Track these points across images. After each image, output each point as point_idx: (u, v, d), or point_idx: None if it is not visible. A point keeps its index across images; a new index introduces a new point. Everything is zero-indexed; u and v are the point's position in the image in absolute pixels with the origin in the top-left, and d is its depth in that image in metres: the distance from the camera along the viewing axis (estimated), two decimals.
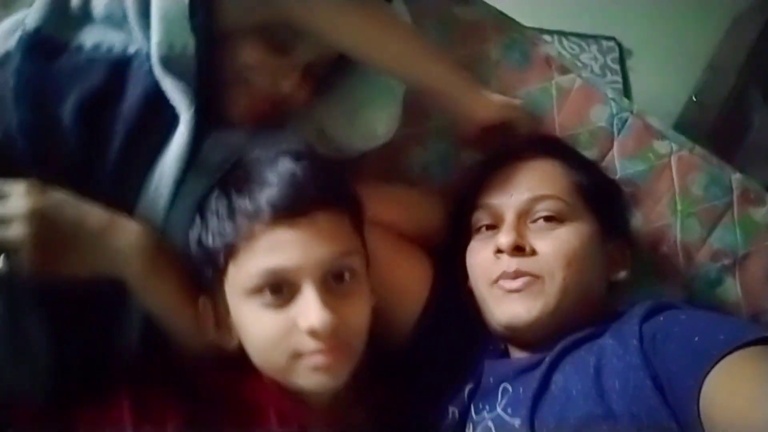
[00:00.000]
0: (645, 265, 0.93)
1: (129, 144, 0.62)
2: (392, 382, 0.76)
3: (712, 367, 0.51)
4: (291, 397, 0.66)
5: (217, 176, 0.65)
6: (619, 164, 0.95)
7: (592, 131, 0.95)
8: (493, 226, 0.74)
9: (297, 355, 0.61)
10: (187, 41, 0.62)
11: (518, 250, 0.69)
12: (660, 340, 0.58)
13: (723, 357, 0.51)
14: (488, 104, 0.82)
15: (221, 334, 0.65)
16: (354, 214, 0.67)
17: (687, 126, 1.37)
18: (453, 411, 0.69)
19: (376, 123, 0.81)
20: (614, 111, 0.96)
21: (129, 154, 0.62)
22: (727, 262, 0.94)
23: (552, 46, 1.00)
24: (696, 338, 0.55)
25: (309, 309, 0.59)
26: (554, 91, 0.96)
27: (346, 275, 0.63)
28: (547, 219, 0.71)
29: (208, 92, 0.66)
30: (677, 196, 0.95)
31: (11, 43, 0.62)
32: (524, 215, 0.72)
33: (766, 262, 0.94)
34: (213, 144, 0.66)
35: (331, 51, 0.73)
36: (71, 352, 0.62)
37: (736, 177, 0.96)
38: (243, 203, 0.60)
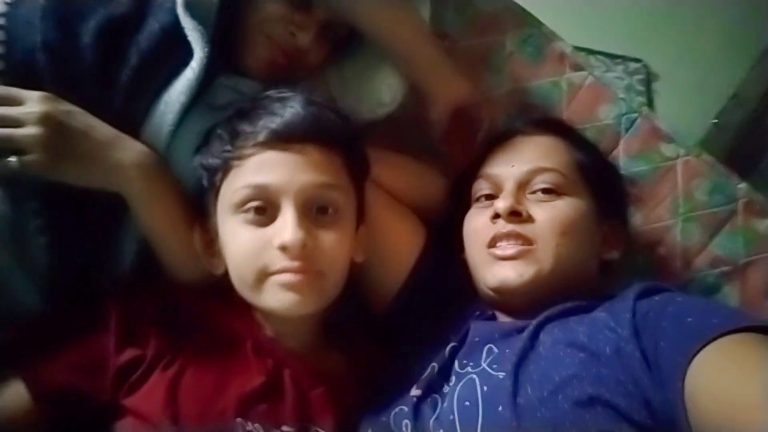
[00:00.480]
0: (643, 263, 0.93)
1: (141, 71, 0.66)
2: (371, 339, 0.78)
3: (703, 347, 0.51)
4: (269, 331, 0.68)
5: (220, 116, 0.69)
6: (624, 162, 0.96)
7: (599, 128, 0.97)
8: (493, 196, 0.76)
9: (267, 272, 0.63)
10: None
11: (515, 215, 0.71)
12: (653, 317, 0.58)
13: (715, 339, 0.51)
14: (458, 84, 0.85)
15: (210, 259, 0.68)
16: (352, 160, 0.69)
17: (708, 147, 1.37)
18: (433, 366, 0.70)
19: (381, 90, 0.84)
20: (623, 110, 0.97)
21: (140, 80, 0.66)
22: (726, 269, 0.94)
23: (567, 44, 1.02)
24: (689, 319, 0.56)
25: (284, 227, 0.61)
26: (565, 86, 0.98)
27: (330, 209, 0.65)
28: (546, 191, 0.73)
29: (227, 39, 0.70)
30: (680, 198, 0.95)
31: None
32: (524, 186, 0.74)
33: (767, 273, 0.93)
34: (223, 87, 0.70)
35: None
36: (68, 261, 0.66)
37: (741, 187, 0.96)
38: (244, 127, 0.64)
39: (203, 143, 0.68)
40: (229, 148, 0.64)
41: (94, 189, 0.64)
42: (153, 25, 0.66)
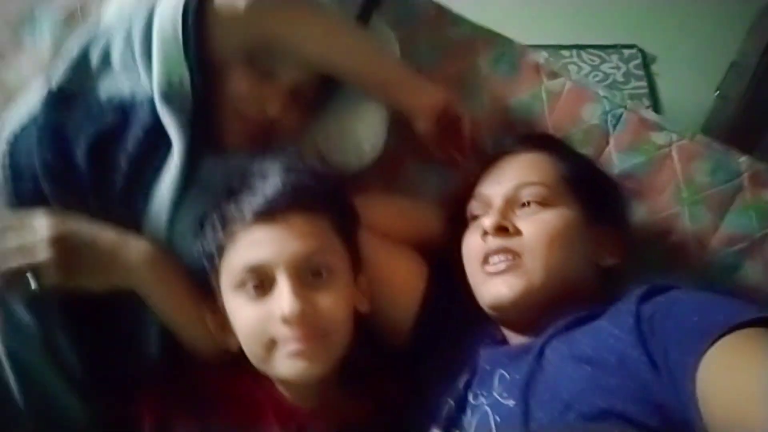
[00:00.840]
0: (654, 255, 0.92)
1: (132, 173, 0.71)
2: (392, 379, 0.80)
3: (710, 345, 0.51)
4: (288, 397, 0.71)
5: (217, 194, 0.73)
6: (617, 159, 0.96)
7: (585, 130, 0.97)
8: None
9: (274, 344, 0.66)
10: (182, 74, 0.72)
11: (502, 230, 0.73)
12: (658, 319, 0.58)
13: (721, 336, 0.51)
14: (431, 90, 0.89)
15: (224, 337, 0.72)
16: (338, 218, 0.72)
17: (715, 122, 1.35)
18: (449, 402, 0.71)
19: (362, 141, 0.88)
20: (607, 108, 0.98)
21: (133, 181, 0.72)
22: (743, 245, 0.92)
23: (540, 54, 1.03)
24: (695, 318, 0.55)
25: (281, 297, 0.65)
26: (544, 95, 0.99)
27: (323, 272, 0.68)
28: (532, 204, 0.75)
29: (207, 122, 0.75)
30: (682, 184, 0.94)
31: (37, 101, 0.74)
32: (511, 201, 0.76)
33: None
34: (212, 166, 0.74)
35: (314, 74, 0.81)
36: (101, 364, 0.71)
37: (743, 160, 0.94)
38: (231, 210, 0.68)
39: (200, 227, 0.72)
40: (221, 234, 0.68)
41: (110, 290, 0.69)
42: (136, 130, 0.72)
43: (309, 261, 0.67)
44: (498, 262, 0.72)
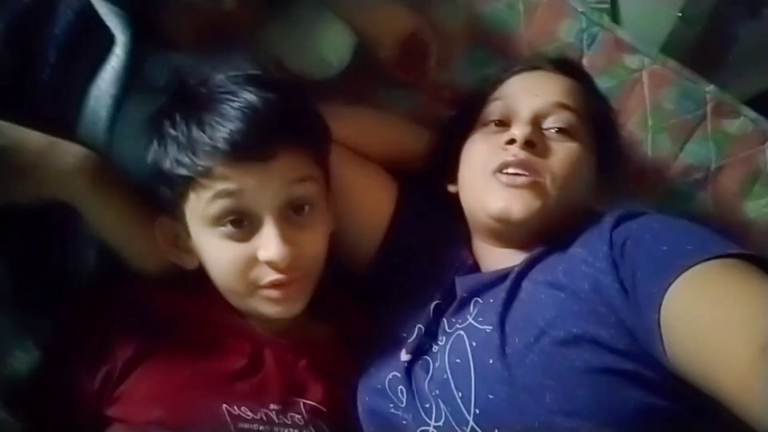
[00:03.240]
0: (617, 183, 0.92)
1: (62, 67, 0.61)
2: (358, 301, 0.78)
3: (677, 276, 0.51)
4: (248, 321, 0.68)
5: (163, 98, 0.64)
6: None
7: (560, 47, 0.93)
8: (503, 123, 0.73)
9: (256, 285, 0.62)
10: None
11: (530, 145, 0.67)
12: (630, 245, 0.58)
13: (689, 268, 0.51)
14: (397, 18, 0.82)
15: (178, 254, 0.66)
16: (319, 147, 0.66)
17: (675, 43, 1.33)
18: (419, 327, 0.70)
19: (329, 53, 0.79)
20: (584, 25, 0.94)
21: (63, 77, 0.61)
22: (698, 176, 0.94)
23: None
24: (664, 247, 0.55)
25: (269, 243, 0.60)
26: (521, 7, 0.93)
27: (306, 207, 0.64)
28: (560, 131, 0.70)
29: (148, 14, 0.64)
30: (648, 112, 0.93)
31: None
32: (541, 118, 0.71)
33: (739, 175, 0.93)
34: (155, 66, 0.65)
35: None
36: (30, 282, 0.64)
37: (709, 89, 0.94)
38: (201, 137, 0.59)
39: (153, 133, 0.63)
40: (188, 160, 0.59)
41: (40, 202, 0.60)
42: (66, 13, 0.61)
43: (294, 199, 0.62)
44: (518, 174, 0.67)
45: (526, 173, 0.66)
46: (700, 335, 0.48)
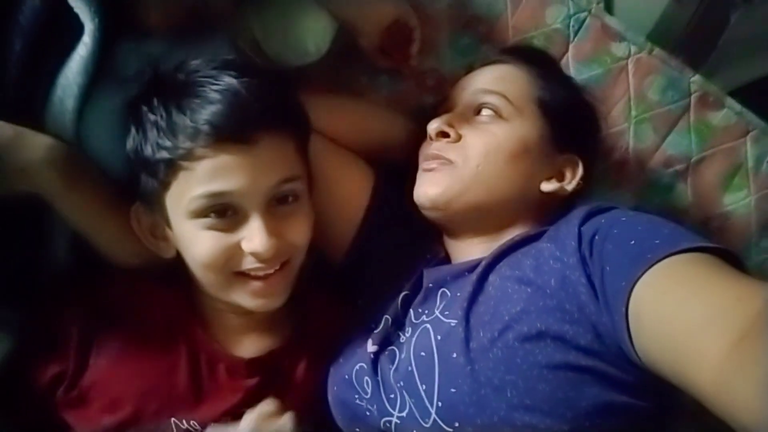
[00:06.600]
0: (599, 173, 0.92)
1: (29, 56, 0.59)
2: (329, 291, 0.78)
3: (645, 270, 0.51)
4: (206, 328, 0.69)
5: (135, 86, 0.63)
6: (575, 69, 0.92)
7: (546, 34, 0.92)
8: None
9: (238, 275, 0.62)
10: None
11: (442, 135, 0.72)
12: (598, 240, 0.58)
13: (657, 262, 0.51)
14: (380, 6, 0.81)
15: (156, 242, 0.66)
16: (300, 134, 0.66)
17: (666, 25, 1.31)
18: (386, 318, 0.71)
19: (307, 40, 0.77)
20: (571, 11, 0.92)
21: (29, 66, 0.59)
22: (679, 167, 0.94)
23: None
24: (632, 242, 0.55)
25: (254, 234, 0.60)
26: None
27: (290, 198, 0.63)
28: (488, 115, 0.73)
29: (119, 0, 0.62)
30: (631, 101, 0.92)
31: None
32: (469, 107, 0.75)
33: (719, 167, 0.93)
34: (127, 53, 0.63)
35: None
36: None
37: (695, 79, 0.93)
38: (182, 120, 0.58)
39: (130, 120, 0.62)
40: (169, 144, 0.58)
41: (8, 195, 0.59)
42: (32, 0, 0.58)
43: (279, 190, 0.62)
44: (430, 162, 0.72)
45: (438, 160, 0.72)
46: (669, 330, 0.48)
